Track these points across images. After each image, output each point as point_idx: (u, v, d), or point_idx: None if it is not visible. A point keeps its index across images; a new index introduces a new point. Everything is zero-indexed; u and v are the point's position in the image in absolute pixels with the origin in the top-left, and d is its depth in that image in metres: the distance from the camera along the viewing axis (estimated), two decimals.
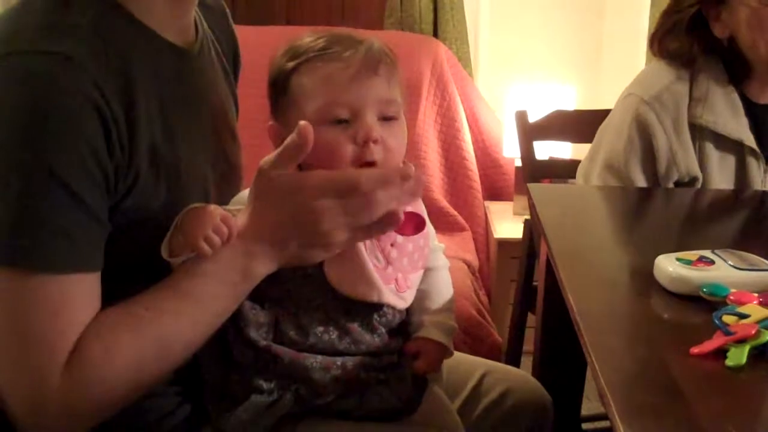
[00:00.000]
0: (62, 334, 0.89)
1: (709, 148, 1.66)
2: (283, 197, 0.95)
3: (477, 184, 2.86)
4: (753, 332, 0.87)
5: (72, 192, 0.87)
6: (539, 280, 1.58)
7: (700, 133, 1.65)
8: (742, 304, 0.94)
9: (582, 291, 1.06)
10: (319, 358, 1.01)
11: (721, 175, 1.69)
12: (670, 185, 1.68)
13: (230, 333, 1.03)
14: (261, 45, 1.24)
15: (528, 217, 2.13)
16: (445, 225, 2.70)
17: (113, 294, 0.93)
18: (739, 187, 1.69)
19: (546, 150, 2.32)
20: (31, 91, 0.86)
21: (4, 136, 0.86)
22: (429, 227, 1.11)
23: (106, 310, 0.92)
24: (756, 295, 0.96)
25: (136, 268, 0.94)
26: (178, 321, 0.94)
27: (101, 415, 0.93)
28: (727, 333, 0.88)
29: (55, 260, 0.87)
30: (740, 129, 1.65)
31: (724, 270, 1.03)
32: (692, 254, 1.06)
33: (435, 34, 3.05)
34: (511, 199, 2.86)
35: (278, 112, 1.06)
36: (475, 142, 2.90)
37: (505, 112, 2.88)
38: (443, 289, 1.17)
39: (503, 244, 2.64)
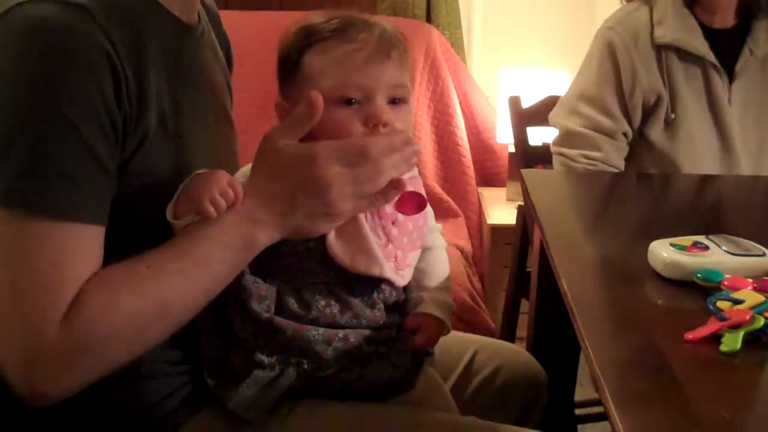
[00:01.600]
0: (62, 284, 0.88)
1: (675, 65, 1.77)
2: (291, 166, 0.96)
3: (470, 170, 2.86)
4: (747, 318, 0.87)
5: (82, 138, 0.87)
6: (533, 266, 1.58)
7: (665, 53, 1.76)
8: (736, 289, 0.94)
9: (575, 277, 1.06)
10: (321, 330, 1.02)
11: (689, 91, 1.77)
12: (638, 110, 1.77)
13: (231, 307, 1.04)
14: (255, 29, 1.23)
15: (521, 203, 2.13)
16: (438, 211, 2.69)
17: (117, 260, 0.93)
18: (708, 102, 1.79)
19: (540, 136, 2.31)
20: (45, 36, 0.87)
21: (19, 80, 0.87)
22: (428, 208, 1.13)
23: (108, 266, 0.92)
24: (750, 280, 0.96)
25: (141, 235, 0.94)
26: (180, 281, 0.93)
27: (98, 370, 0.92)
28: (722, 318, 0.88)
29: (60, 205, 0.87)
30: (700, 46, 1.76)
31: (718, 255, 1.03)
32: (686, 240, 1.05)
33: (428, 20, 3.03)
34: (504, 185, 2.86)
35: (287, 89, 1.07)
36: (468, 128, 2.89)
37: (498, 98, 2.87)
38: (440, 268, 1.19)
39: (497, 230, 2.64)
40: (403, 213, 1.06)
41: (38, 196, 0.86)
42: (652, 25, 1.76)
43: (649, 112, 1.77)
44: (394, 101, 1.03)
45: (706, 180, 1.71)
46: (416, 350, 1.09)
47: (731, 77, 1.78)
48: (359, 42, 1.02)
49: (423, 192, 1.09)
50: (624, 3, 1.87)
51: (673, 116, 1.76)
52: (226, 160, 1.15)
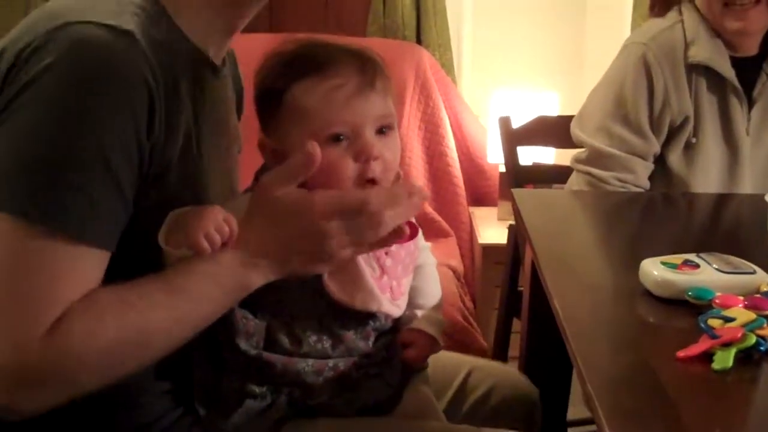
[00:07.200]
0: (53, 301, 0.87)
1: (702, 89, 1.75)
2: (289, 216, 0.95)
3: (461, 190, 2.87)
4: (739, 335, 0.87)
5: (109, 166, 0.88)
6: (524, 286, 1.58)
7: (696, 75, 1.74)
8: (727, 307, 0.94)
9: (567, 296, 1.06)
10: (311, 361, 1.02)
11: (711, 117, 1.76)
12: (664, 131, 1.75)
13: (221, 340, 1.03)
14: (244, 52, 1.23)
15: (513, 222, 2.13)
16: (429, 231, 2.69)
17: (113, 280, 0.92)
18: (723, 129, 1.77)
19: (530, 155, 2.32)
20: (89, 60, 0.87)
21: (56, 100, 0.87)
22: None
23: (100, 290, 0.91)
24: (741, 298, 0.96)
25: (145, 260, 0.93)
26: (167, 315, 0.93)
27: (74, 390, 0.91)
28: (713, 336, 0.88)
29: (73, 225, 0.87)
30: (728, 70, 1.74)
31: (709, 273, 1.03)
32: (677, 258, 1.06)
33: (418, 41, 3.04)
34: (495, 205, 2.86)
35: (270, 126, 1.03)
36: (459, 148, 2.90)
37: (488, 118, 2.88)
38: (432, 285, 1.19)
39: (488, 249, 2.64)
40: (396, 242, 1.04)
41: (51, 213, 0.86)
42: (686, 44, 1.74)
43: (672, 134, 1.76)
44: (381, 131, 1.00)
45: (696, 198, 1.71)
46: (407, 365, 1.09)
47: (750, 104, 1.77)
48: (342, 76, 0.99)
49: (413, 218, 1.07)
50: (653, 17, 1.84)
51: (694, 140, 1.75)
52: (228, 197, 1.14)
